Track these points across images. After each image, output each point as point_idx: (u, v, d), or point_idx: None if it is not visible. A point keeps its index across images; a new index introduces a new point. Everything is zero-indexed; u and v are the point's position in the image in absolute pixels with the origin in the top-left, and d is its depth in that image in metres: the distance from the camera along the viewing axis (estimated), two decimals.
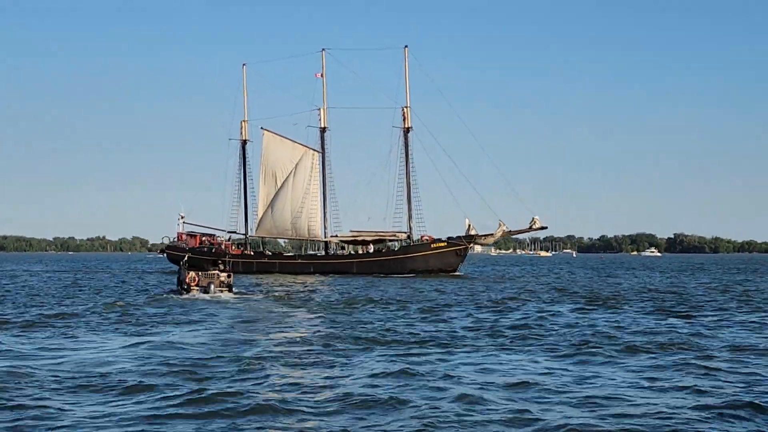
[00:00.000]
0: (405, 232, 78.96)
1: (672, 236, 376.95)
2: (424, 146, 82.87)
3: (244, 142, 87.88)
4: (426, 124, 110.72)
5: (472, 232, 75.87)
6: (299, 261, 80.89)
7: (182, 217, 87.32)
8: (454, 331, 26.44)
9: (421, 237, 78.41)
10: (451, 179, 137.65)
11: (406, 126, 79.55)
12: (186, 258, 53.01)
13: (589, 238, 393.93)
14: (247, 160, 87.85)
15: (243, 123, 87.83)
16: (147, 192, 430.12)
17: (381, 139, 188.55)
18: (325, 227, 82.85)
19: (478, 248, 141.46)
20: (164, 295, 43.50)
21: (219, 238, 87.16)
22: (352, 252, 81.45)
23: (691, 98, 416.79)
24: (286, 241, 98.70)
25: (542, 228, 75.14)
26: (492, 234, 75.93)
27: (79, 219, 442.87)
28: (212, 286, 42.02)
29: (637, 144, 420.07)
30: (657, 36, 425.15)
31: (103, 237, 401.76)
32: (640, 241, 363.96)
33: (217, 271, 44.24)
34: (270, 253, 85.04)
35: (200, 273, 43.67)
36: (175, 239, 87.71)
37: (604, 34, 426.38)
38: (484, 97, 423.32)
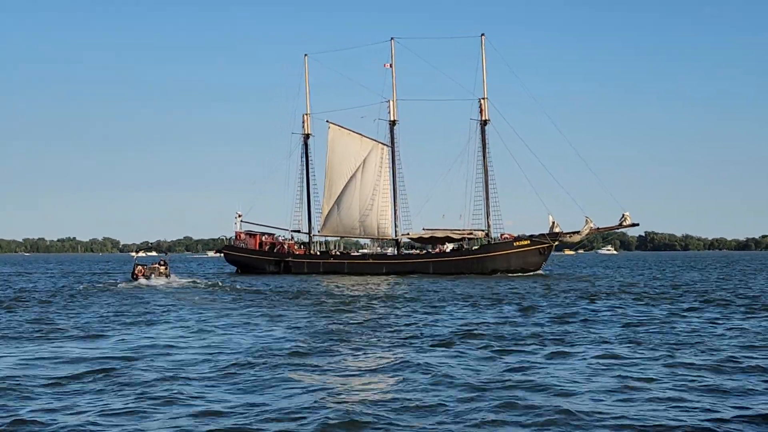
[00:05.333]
0: (483, 230, 74.72)
1: (642, 234, 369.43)
2: (502, 139, 78.60)
3: (306, 137, 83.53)
4: (505, 116, 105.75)
5: (557, 230, 71.69)
6: (370, 261, 76.49)
7: (239, 216, 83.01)
8: None
9: (501, 235, 74.14)
10: (533, 174, 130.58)
11: (484, 118, 75.32)
12: (137, 252, 74.54)
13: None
14: (309, 155, 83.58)
15: (305, 116, 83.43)
16: (158, 192, 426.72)
17: (454, 132, 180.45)
18: (395, 225, 78.65)
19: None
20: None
21: (281, 238, 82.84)
22: (425, 251, 77.20)
23: (667, 95, 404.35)
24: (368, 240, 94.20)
25: (633, 225, 70.90)
26: (578, 231, 71.59)
27: (47, 220, 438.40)
28: (153, 276, 57.60)
29: (609, 140, 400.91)
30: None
31: (73, 238, 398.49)
32: (611, 239, 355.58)
33: (156, 265, 60.14)
34: (338, 253, 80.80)
35: (145, 266, 59.65)
36: (233, 239, 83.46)
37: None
38: (567, 86, 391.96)
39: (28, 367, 18.47)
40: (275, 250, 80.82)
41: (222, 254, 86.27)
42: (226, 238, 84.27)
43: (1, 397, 15.21)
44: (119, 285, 53.28)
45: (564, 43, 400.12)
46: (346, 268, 75.99)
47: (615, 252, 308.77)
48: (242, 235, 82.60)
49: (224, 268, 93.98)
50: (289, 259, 78.81)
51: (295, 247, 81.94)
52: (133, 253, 74.56)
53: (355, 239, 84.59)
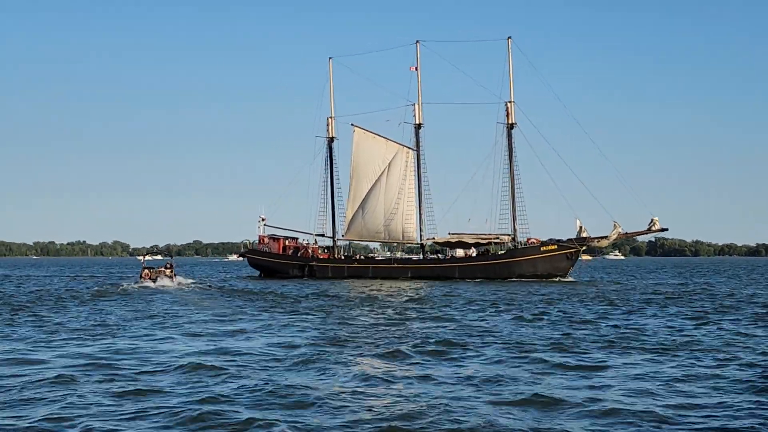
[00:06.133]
0: (509, 235, 74.17)
1: (652, 239, 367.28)
2: (529, 143, 78.06)
3: (330, 140, 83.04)
4: (531, 120, 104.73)
5: (584, 234, 71.11)
6: (395, 266, 76.02)
7: (263, 219, 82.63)
8: None
9: (527, 239, 73.58)
10: (560, 178, 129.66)
11: (510, 122, 74.82)
12: (145, 256, 76.51)
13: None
14: (333, 158, 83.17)
15: (329, 120, 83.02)
16: (170, 197, 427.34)
17: (480, 136, 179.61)
18: (420, 230, 78.22)
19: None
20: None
21: (305, 241, 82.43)
22: (450, 255, 76.62)
23: (677, 99, 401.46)
24: (377, 244, 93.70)
25: (662, 230, 70.28)
26: (606, 236, 70.99)
27: (58, 223, 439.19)
28: (158, 278, 60.01)
29: (620, 145, 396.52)
30: None
31: (83, 242, 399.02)
32: (619, 244, 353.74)
33: (162, 269, 62.46)
34: (362, 257, 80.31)
35: (152, 269, 62.57)
36: (256, 242, 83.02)
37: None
38: (595, 90, 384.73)
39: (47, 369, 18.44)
40: (299, 254, 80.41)
41: (245, 258, 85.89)
42: (250, 242, 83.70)
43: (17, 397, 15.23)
44: (126, 286, 56.14)
45: (591, 45, 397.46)
46: (371, 272, 75.52)
47: (622, 257, 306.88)
48: (265, 239, 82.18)
49: (248, 272, 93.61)
50: (313, 263, 78.42)
51: (319, 251, 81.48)
52: (140, 257, 78.25)
53: (365, 244, 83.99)
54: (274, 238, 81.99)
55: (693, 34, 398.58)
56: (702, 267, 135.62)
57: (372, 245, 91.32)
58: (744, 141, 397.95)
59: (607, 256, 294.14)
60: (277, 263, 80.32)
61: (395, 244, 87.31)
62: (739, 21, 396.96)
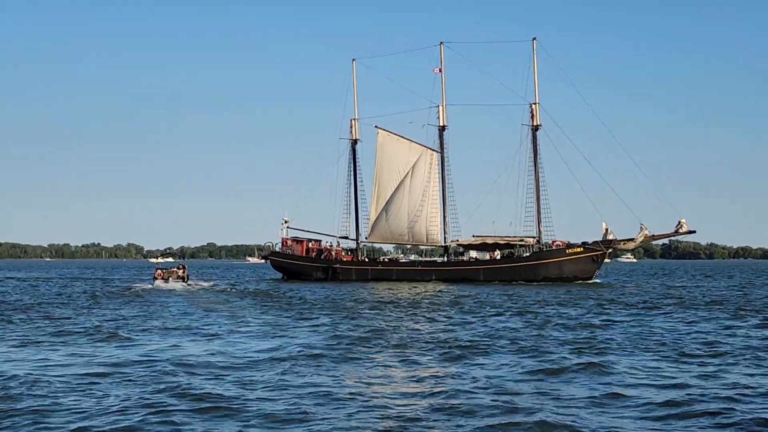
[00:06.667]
0: (534, 237, 73.73)
1: (667, 242, 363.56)
2: (554, 145, 77.37)
3: (354, 142, 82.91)
4: (556, 121, 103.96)
5: (610, 237, 70.58)
6: (419, 268, 75.74)
7: (286, 222, 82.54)
8: None
9: (552, 242, 73.06)
10: (585, 180, 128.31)
11: (535, 124, 74.47)
12: (158, 258, 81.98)
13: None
14: (357, 160, 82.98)
15: (353, 121, 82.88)
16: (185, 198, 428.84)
17: (504, 138, 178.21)
18: (444, 232, 77.87)
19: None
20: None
21: (328, 244, 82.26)
22: (474, 258, 76.28)
23: (697, 100, 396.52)
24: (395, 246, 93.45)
25: (690, 232, 69.63)
26: (632, 239, 70.44)
27: (73, 226, 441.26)
28: (170, 279, 63.28)
29: (644, 147, 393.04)
30: None
31: (98, 244, 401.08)
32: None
33: (174, 270, 65.89)
34: (386, 260, 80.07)
35: (164, 270, 66.03)
36: (279, 245, 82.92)
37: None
38: (621, 91, 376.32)
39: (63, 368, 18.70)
40: (322, 257, 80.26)
41: (267, 260, 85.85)
42: (272, 245, 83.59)
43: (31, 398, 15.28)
44: (139, 287, 59.83)
45: (617, 47, 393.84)
46: (395, 274, 75.29)
47: (635, 260, 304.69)
48: (289, 241, 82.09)
49: (270, 275, 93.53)
50: (337, 265, 78.24)
51: (342, 253, 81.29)
52: (153, 259, 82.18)
53: (378, 246, 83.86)
54: (298, 241, 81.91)
55: (719, 37, 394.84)
56: (736, 269, 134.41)
57: (386, 248, 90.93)
58: (759, 143, 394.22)
59: (619, 259, 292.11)
60: (301, 266, 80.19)
61: (408, 246, 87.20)
62: (740, 22, 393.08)
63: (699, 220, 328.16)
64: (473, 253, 76.07)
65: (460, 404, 14.58)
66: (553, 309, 37.49)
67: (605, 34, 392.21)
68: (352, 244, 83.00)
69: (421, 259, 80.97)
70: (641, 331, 27.15)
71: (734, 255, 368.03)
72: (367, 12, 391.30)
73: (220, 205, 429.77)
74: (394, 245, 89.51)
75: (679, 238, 73.68)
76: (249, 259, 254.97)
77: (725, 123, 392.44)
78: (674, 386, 16.50)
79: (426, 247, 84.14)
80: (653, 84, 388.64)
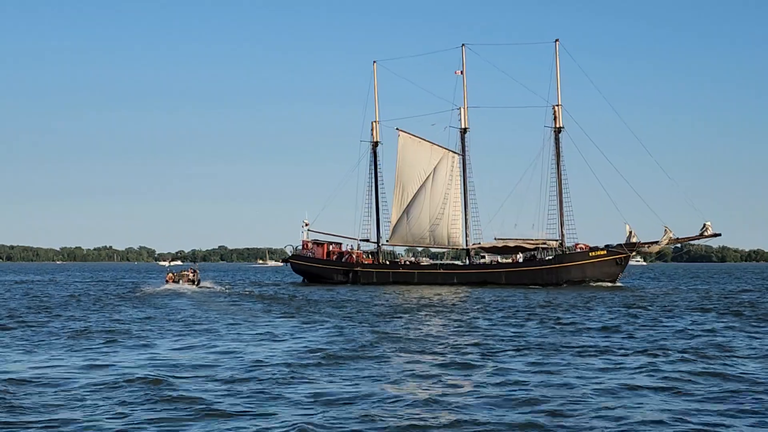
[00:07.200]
0: (556, 240, 73.20)
1: (678, 245, 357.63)
2: (577, 147, 76.92)
3: (375, 144, 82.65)
4: (580, 124, 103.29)
5: (634, 240, 70.00)
6: (441, 271, 75.36)
7: (306, 225, 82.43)
8: None
9: (575, 245, 72.52)
10: (608, 182, 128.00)
11: (558, 126, 74.01)
12: (169, 261, 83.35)
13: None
14: (378, 163, 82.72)
15: (374, 124, 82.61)
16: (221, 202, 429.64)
17: (527, 140, 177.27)
18: (466, 235, 77.47)
19: None
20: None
21: (349, 247, 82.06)
22: (496, 261, 75.82)
23: (685, 107, 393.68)
24: (419, 249, 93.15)
25: (715, 235, 68.93)
26: (657, 242, 69.88)
27: (85, 229, 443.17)
28: (181, 282, 64.93)
29: (668, 150, 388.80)
30: None
31: (110, 247, 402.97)
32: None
33: (185, 272, 67.44)
34: (407, 263, 79.74)
35: (175, 273, 67.34)
36: (300, 248, 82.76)
37: None
38: (644, 93, 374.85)
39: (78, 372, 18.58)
40: (343, 260, 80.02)
41: (287, 263, 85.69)
42: (293, 248, 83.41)
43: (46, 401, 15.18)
44: (149, 289, 61.83)
45: (640, 49, 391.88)
46: (416, 278, 74.96)
47: (644, 263, 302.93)
48: (309, 244, 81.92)
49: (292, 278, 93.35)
50: (358, 268, 77.98)
51: (363, 256, 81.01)
52: (164, 262, 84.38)
53: (390, 249, 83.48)
54: (318, 243, 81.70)
55: (738, 39, 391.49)
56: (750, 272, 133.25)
57: (398, 251, 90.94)
58: None
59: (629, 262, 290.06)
60: (322, 269, 79.96)
61: (420, 249, 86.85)
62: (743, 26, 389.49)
63: (711, 223, 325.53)
64: (488, 257, 75.51)
65: (475, 408, 14.57)
66: (582, 312, 37.10)
67: (628, 36, 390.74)
68: (373, 247, 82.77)
69: (442, 262, 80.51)
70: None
71: (746, 258, 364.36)
72: (388, 14, 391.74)
73: (232, 209, 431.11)
74: (405, 248, 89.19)
75: (702, 241, 73.00)
76: (265, 261, 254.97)
77: (737, 125, 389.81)
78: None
79: (437, 249, 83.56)
80: (675, 87, 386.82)
